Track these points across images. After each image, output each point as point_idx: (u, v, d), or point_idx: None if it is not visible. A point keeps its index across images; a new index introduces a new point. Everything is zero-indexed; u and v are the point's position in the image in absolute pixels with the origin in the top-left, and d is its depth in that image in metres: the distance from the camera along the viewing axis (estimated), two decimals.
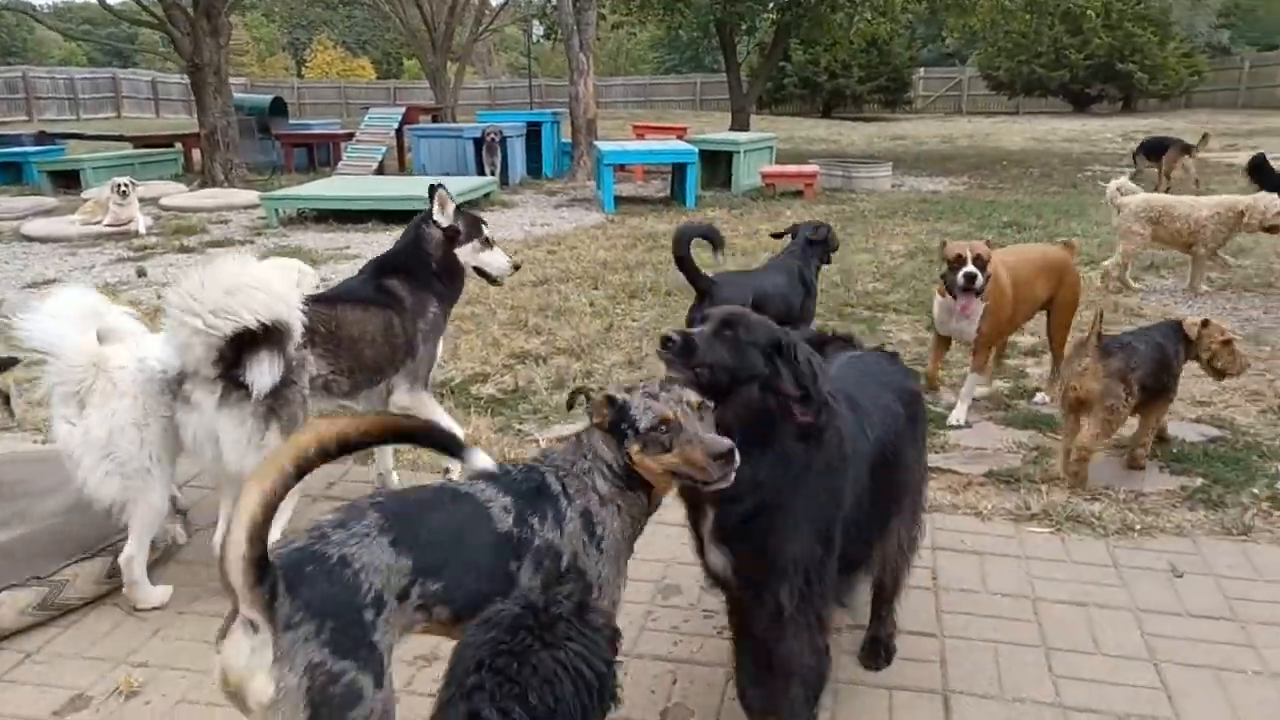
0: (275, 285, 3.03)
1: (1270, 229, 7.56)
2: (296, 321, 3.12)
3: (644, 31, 31.50)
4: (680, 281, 8.29)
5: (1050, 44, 36.81)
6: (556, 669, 1.61)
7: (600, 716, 1.66)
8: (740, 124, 19.73)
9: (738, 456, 2.06)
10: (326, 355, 3.55)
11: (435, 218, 4.06)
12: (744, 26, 20.90)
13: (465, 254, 4.18)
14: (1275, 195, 7.58)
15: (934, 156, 21.42)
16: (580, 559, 2.15)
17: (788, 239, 5.73)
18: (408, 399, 4.04)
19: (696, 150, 13.37)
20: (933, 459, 4.27)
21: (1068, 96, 39.30)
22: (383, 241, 10.88)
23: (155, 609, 3.20)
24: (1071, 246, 5.55)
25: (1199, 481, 4.00)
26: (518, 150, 15.74)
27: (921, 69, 43.89)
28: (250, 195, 13.78)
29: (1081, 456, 3.96)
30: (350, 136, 17.24)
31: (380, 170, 16.24)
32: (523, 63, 52.89)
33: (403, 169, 17.76)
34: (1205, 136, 15.98)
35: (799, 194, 14.16)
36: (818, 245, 5.52)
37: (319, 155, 18.21)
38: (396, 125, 17.15)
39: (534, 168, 16.54)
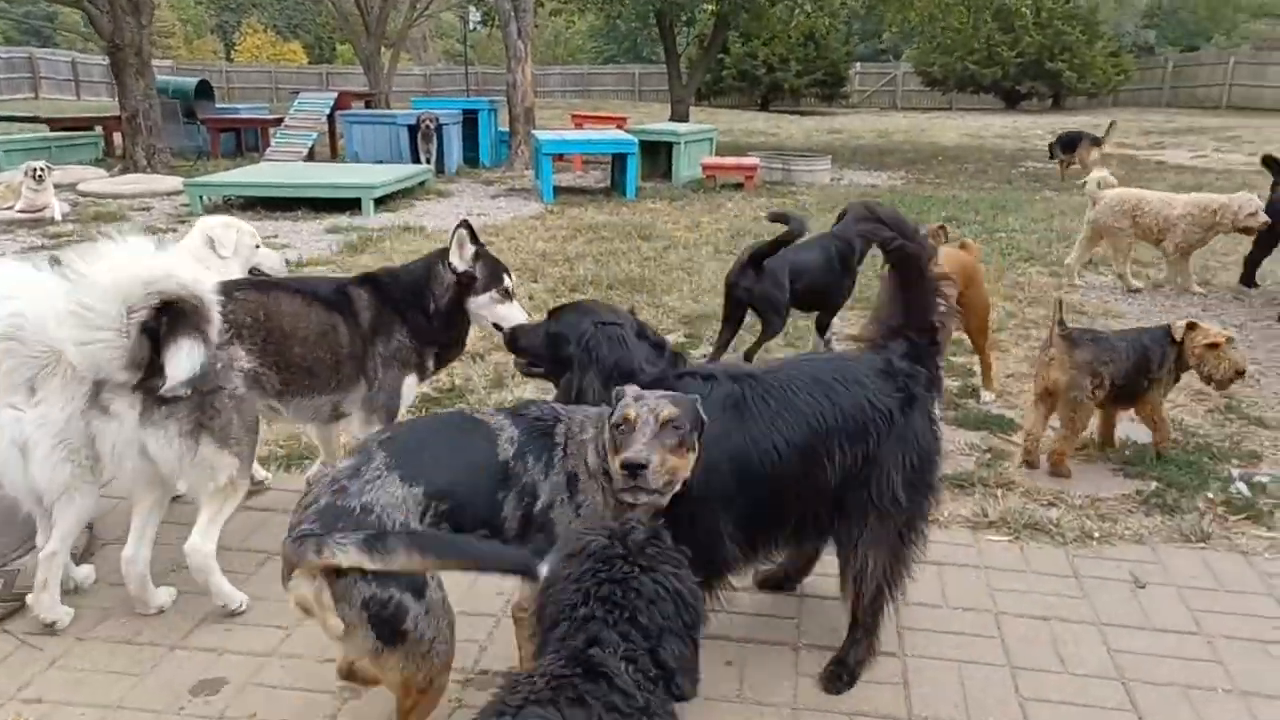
0: (177, 272, 2.77)
1: (1244, 230, 7.38)
2: (209, 306, 2.83)
3: (583, 20, 31.23)
4: (621, 275, 8.17)
5: (983, 41, 37.32)
6: (658, 589, 1.68)
7: (699, 630, 1.73)
8: (679, 115, 19.59)
9: (646, 476, 2.13)
10: (253, 348, 3.22)
11: (451, 260, 3.58)
12: (683, 18, 20.74)
13: (479, 305, 3.65)
14: (1251, 195, 7.44)
15: (871, 151, 21.49)
16: (555, 510, 2.27)
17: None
18: (361, 432, 3.52)
19: (637, 141, 13.17)
20: None
21: (999, 94, 39.87)
22: (313, 230, 10.54)
23: (51, 631, 2.92)
24: (968, 248, 5.35)
25: (1153, 485, 3.93)
26: (454, 138, 15.40)
27: (858, 64, 44.20)
28: (174, 181, 13.27)
29: (1056, 459, 3.90)
30: (279, 122, 16.72)
31: (311, 156, 15.77)
32: (459, 50, 52.17)
33: (334, 155, 17.29)
34: (1111, 124, 16.96)
35: (739, 186, 14.05)
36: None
37: (247, 140, 17.64)
38: (328, 111, 16.69)
39: (471, 156, 16.21)
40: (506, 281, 3.69)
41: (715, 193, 13.60)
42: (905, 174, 16.92)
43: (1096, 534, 3.49)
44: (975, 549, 3.42)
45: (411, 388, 3.66)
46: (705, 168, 14.19)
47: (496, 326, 3.61)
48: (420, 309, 3.56)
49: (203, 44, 60.14)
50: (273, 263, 4.41)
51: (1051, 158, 16.76)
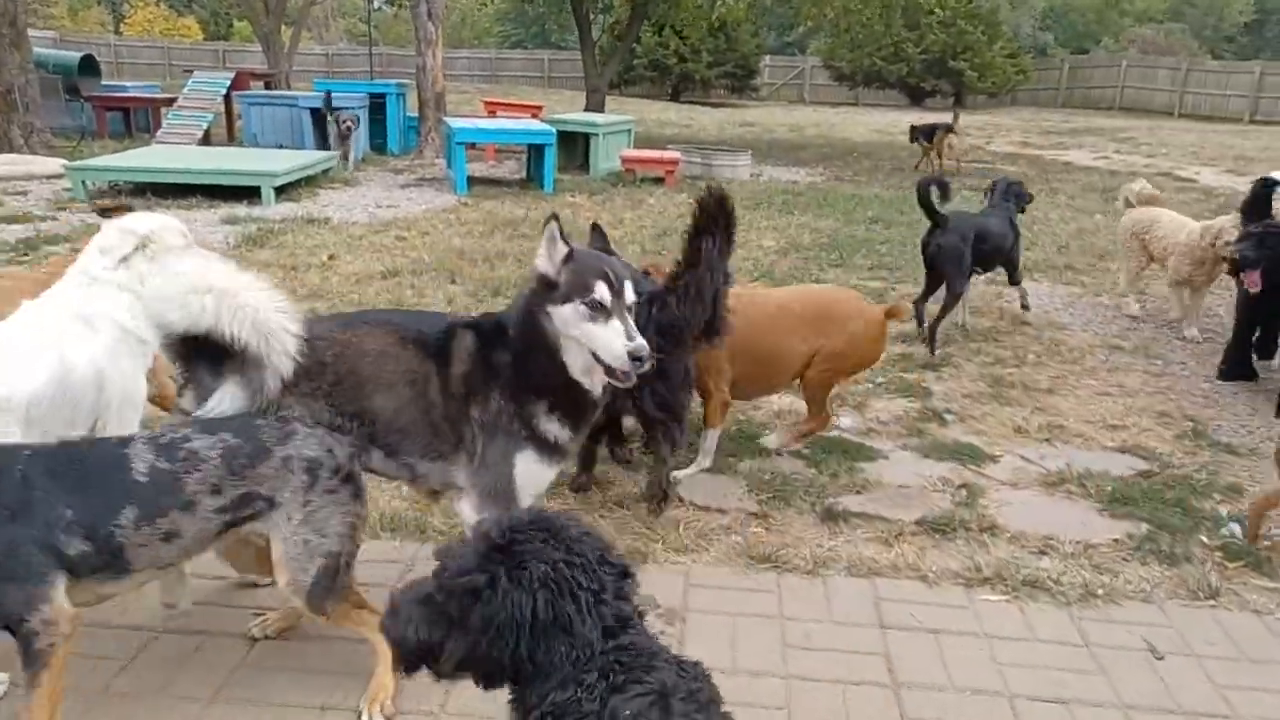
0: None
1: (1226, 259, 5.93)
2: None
3: (493, 4, 30.46)
4: None
5: (890, 38, 37.70)
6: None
7: None
8: (595, 105, 19.08)
9: None
10: (316, 394, 2.67)
11: (537, 263, 2.73)
12: (599, 3, 20.21)
13: (564, 318, 2.66)
14: (1234, 219, 6.24)
15: (786, 145, 21.32)
16: None
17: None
18: (471, 514, 2.73)
19: (554, 131, 12.66)
20: (854, 501, 3.80)
21: (904, 90, 40.32)
22: (208, 220, 9.77)
23: None
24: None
25: (1144, 529, 3.65)
26: (361, 124, 14.63)
27: (767, 56, 44.22)
28: (54, 164, 12.24)
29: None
30: (172, 102, 15.68)
31: (206, 140, 14.82)
32: (362, 29, 50.56)
33: (231, 139, 16.32)
34: (956, 115, 18.24)
35: (660, 181, 13.64)
36: (1016, 197, 6.71)
37: (137, 121, 16.52)
38: (224, 91, 15.72)
39: (378, 143, 15.45)
40: (599, 289, 2.62)
41: (635, 187, 13.16)
42: (824, 170, 16.74)
43: (1100, 591, 3.18)
44: (971, 611, 3.08)
45: (533, 467, 2.74)
46: (625, 161, 13.75)
47: (595, 357, 2.65)
48: (508, 346, 2.74)
49: (89, 15, 56.98)
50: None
51: (912, 140, 18.14)
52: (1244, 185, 16.22)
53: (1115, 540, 3.56)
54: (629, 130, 15.31)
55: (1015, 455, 4.37)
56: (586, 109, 19.16)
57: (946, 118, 18.77)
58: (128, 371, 2.80)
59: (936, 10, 35.58)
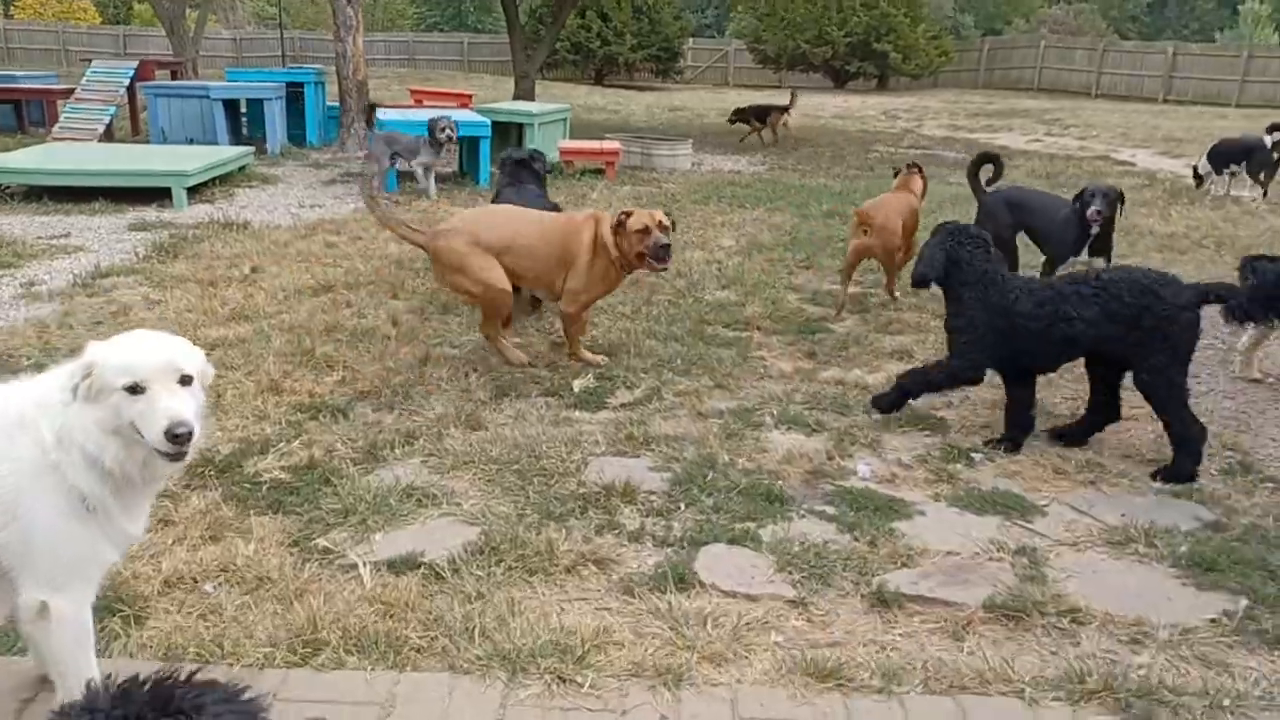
0: None
1: None
2: None
3: None
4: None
5: (815, 21, 37.48)
6: None
7: None
8: (525, 92, 18.27)
9: None
10: None
11: None
12: None
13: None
14: None
15: (720, 131, 20.74)
16: None
17: None
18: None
19: (489, 123, 11.90)
20: (905, 579, 3.25)
21: (828, 73, 40.12)
22: (114, 227, 8.85)
23: None
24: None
25: (1241, 604, 3.16)
26: (277, 114, 13.67)
27: (691, 39, 43.66)
28: None
29: None
30: (70, 93, 14.48)
31: (109, 135, 13.71)
32: (269, 12, 48.65)
33: (136, 134, 15.18)
34: (794, 97, 19.11)
35: (599, 172, 12.99)
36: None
37: (30, 115, 15.25)
38: (128, 81, 14.56)
39: (296, 134, 14.49)
40: None
41: (575, 180, 12.49)
42: (764, 158, 16.23)
43: (1227, 703, 2.66)
44: None
45: None
46: (563, 153, 13.05)
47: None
48: None
49: None
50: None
51: (732, 122, 19.10)
52: (1182, 168, 16.20)
53: (1212, 620, 3.06)
54: (564, 119, 14.61)
55: (1063, 504, 3.87)
56: (515, 97, 18.36)
57: (898, 102, 18.59)
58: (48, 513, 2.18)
59: None
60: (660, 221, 5.20)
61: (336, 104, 14.71)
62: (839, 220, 10.16)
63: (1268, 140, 12.34)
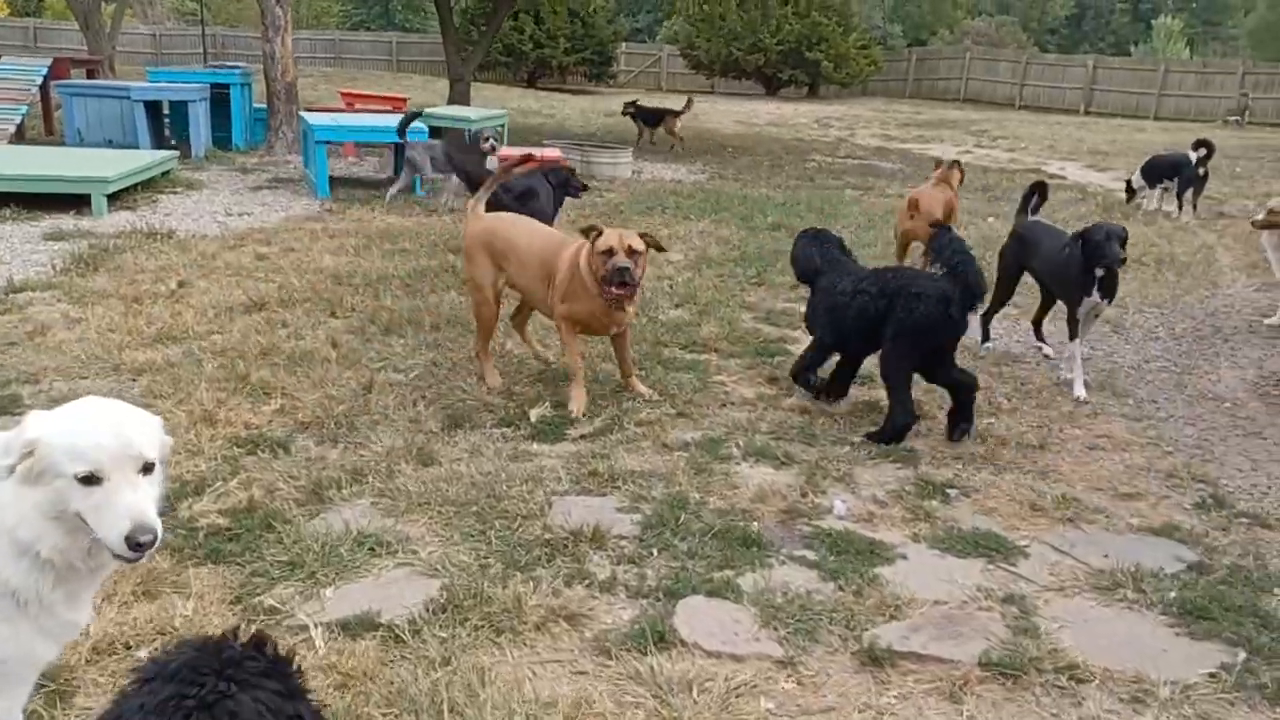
0: None
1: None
2: None
3: None
4: (446, 311, 6.63)
5: (747, 28, 37.63)
6: (259, 711, 1.43)
7: None
8: (459, 96, 17.91)
9: None
10: None
11: None
12: None
13: None
14: None
15: (657, 138, 20.62)
16: None
17: None
18: None
19: (426, 129, 11.57)
20: (895, 633, 3.09)
21: (760, 80, 40.32)
22: (27, 236, 8.36)
23: None
24: None
25: (1239, 656, 3.06)
26: (201, 117, 13.15)
27: (624, 44, 43.53)
28: None
29: None
30: None
31: (20, 138, 13.06)
32: (189, 7, 47.30)
33: (50, 135, 14.50)
34: (689, 102, 19.20)
35: None
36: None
37: None
38: (41, 79, 13.89)
39: (221, 137, 13.96)
40: None
41: None
42: (703, 167, 16.13)
43: None
44: None
45: None
46: (502, 159, 12.74)
47: None
48: None
49: None
50: None
51: (624, 113, 19.58)
52: (1110, 181, 16.50)
53: (1211, 675, 2.95)
54: (502, 124, 14.32)
55: (1043, 544, 3.75)
56: (450, 100, 18.00)
57: (829, 110, 18.66)
58: None
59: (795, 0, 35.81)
60: (629, 245, 4.77)
61: (264, 106, 14.22)
62: (785, 234, 10.05)
63: (1193, 156, 12.60)
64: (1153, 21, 56.03)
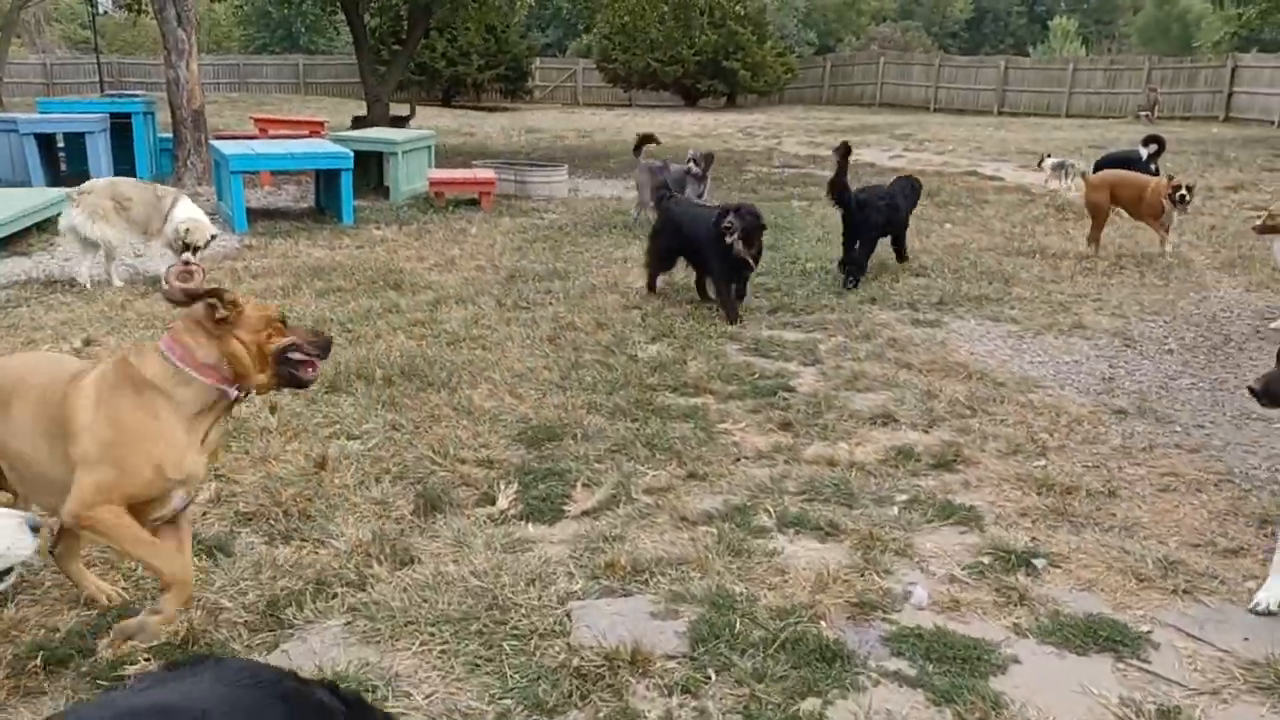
0: None
1: None
2: None
3: (244, 5, 27.42)
4: (396, 359, 5.81)
5: (669, 39, 37.24)
6: None
7: None
8: (378, 116, 17.01)
9: None
10: None
11: None
12: (374, 4, 18.09)
13: None
14: None
15: (585, 153, 19.96)
16: None
17: None
18: None
19: (351, 153, 10.71)
20: None
21: (679, 91, 39.97)
22: None
23: None
24: None
25: None
26: (101, 149, 12.08)
27: (538, 59, 42.83)
28: None
29: None
30: None
31: None
32: (83, 35, 45.20)
33: None
34: (412, 108, 18.60)
35: (474, 203, 11.95)
36: None
37: None
38: None
39: (124, 169, 12.86)
40: None
41: (448, 213, 11.42)
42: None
43: None
44: None
45: None
46: (433, 184, 11.95)
47: None
48: None
49: None
50: None
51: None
52: (1054, 183, 16.27)
53: None
54: (429, 146, 13.48)
55: (1167, 627, 3.14)
56: (368, 122, 17.08)
57: (748, 119, 18.17)
58: None
59: (711, 10, 35.45)
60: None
61: (169, 135, 13.18)
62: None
63: (1144, 153, 12.46)
64: (1049, 22, 57.16)
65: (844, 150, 8.05)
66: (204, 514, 3.92)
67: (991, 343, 6.37)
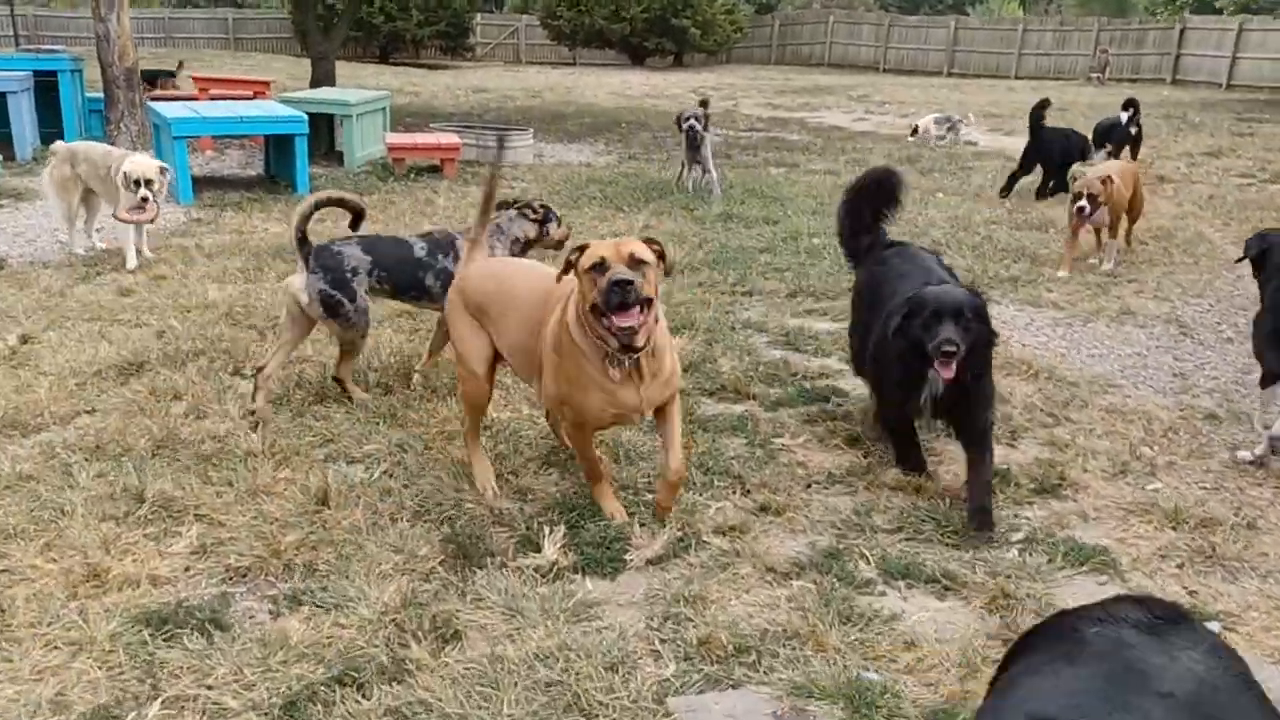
0: None
1: None
2: None
3: None
4: (403, 360, 5.07)
5: None
6: None
7: None
8: (323, 76, 15.95)
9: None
10: None
11: None
12: None
13: None
14: None
15: (540, 116, 19.03)
16: None
17: None
18: None
19: (306, 117, 9.81)
20: None
21: (625, 50, 38.98)
22: None
23: None
24: None
25: None
26: (25, 110, 10.98)
27: (479, 15, 41.44)
28: None
29: None
30: None
31: None
32: None
33: None
34: (180, 64, 16.28)
35: (436, 170, 11.14)
36: None
37: None
38: None
39: (51, 133, 11.72)
40: None
41: (410, 181, 10.59)
42: (606, 147, 14.75)
43: None
44: None
45: None
46: (392, 149, 11.09)
47: None
48: None
49: None
50: None
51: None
52: (1020, 147, 15.88)
53: None
54: (384, 108, 12.58)
55: None
56: (314, 81, 16.04)
57: (696, 79, 17.44)
58: None
59: None
60: (630, 253, 3.18)
61: (98, 95, 12.09)
62: (739, 225, 8.83)
63: (1123, 117, 12.19)
64: None
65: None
66: (186, 569, 3.23)
67: (1041, 333, 5.83)
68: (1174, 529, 3.52)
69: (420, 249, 4.69)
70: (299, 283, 4.43)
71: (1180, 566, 3.29)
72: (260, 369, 4.47)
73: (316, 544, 3.35)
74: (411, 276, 4.64)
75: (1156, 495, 3.76)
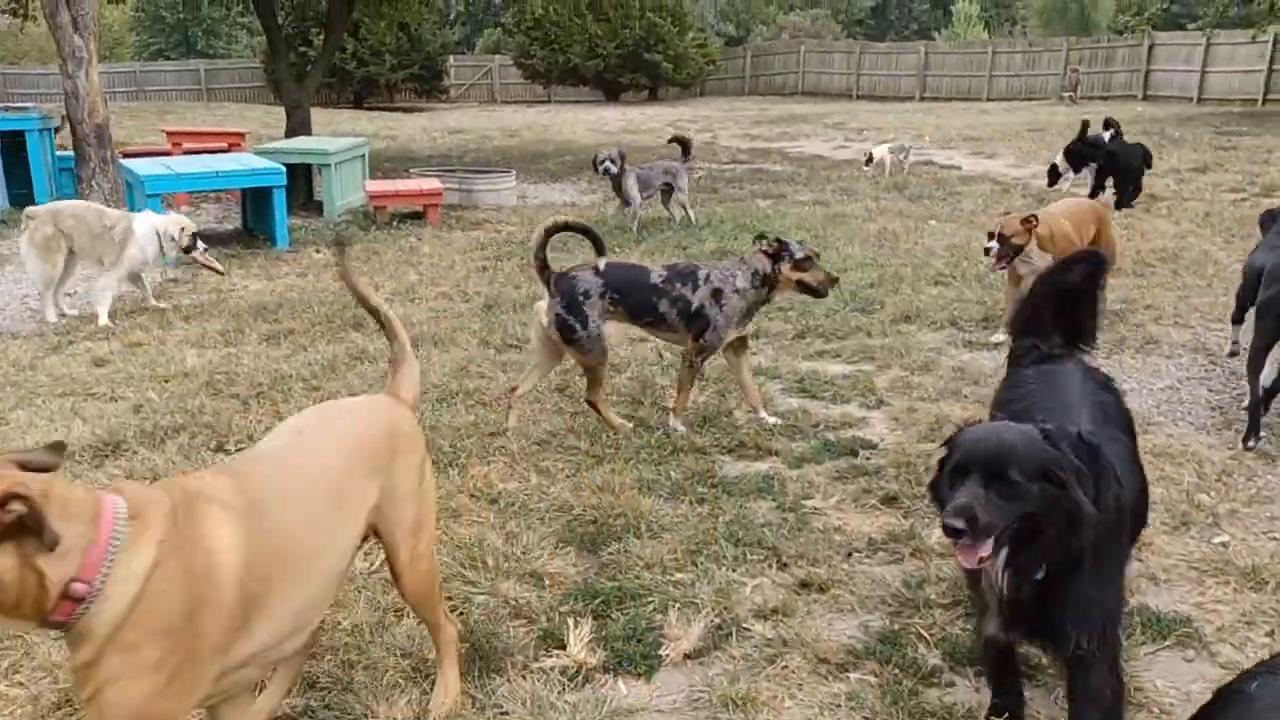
0: None
1: None
2: None
3: (140, 10, 25.62)
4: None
5: (583, 34, 36.25)
6: None
7: None
8: (299, 125, 15.69)
9: None
10: None
11: None
12: (289, 1, 16.73)
13: None
14: None
15: (520, 154, 18.87)
16: (706, 309, 4.60)
17: None
18: None
19: (284, 169, 9.51)
20: None
21: (599, 86, 39.00)
22: None
23: None
24: None
25: None
26: None
27: (452, 57, 41.43)
28: None
29: None
30: None
31: None
32: None
33: None
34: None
35: (419, 216, 10.86)
36: None
37: None
38: None
39: (19, 195, 11.42)
40: None
41: (392, 229, 10.32)
42: (590, 185, 14.53)
43: None
44: None
45: None
46: (374, 196, 10.82)
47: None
48: None
49: None
50: None
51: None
52: (1009, 169, 15.76)
53: None
54: (363, 155, 12.31)
55: None
56: (289, 130, 15.77)
57: (673, 113, 17.31)
58: None
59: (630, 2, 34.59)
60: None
61: (69, 153, 11.78)
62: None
63: (1105, 136, 12.14)
64: (951, 7, 57.47)
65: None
66: None
67: None
68: (1254, 590, 3.22)
69: (657, 276, 4.72)
70: (544, 306, 4.63)
71: (1270, 634, 3.00)
72: (514, 389, 4.85)
73: (315, 650, 3.02)
74: (645, 301, 4.66)
75: (1227, 551, 3.47)
